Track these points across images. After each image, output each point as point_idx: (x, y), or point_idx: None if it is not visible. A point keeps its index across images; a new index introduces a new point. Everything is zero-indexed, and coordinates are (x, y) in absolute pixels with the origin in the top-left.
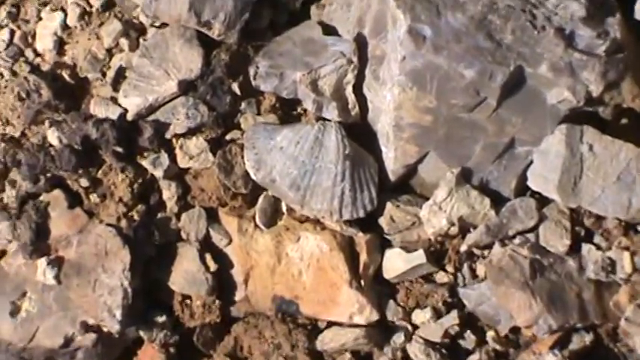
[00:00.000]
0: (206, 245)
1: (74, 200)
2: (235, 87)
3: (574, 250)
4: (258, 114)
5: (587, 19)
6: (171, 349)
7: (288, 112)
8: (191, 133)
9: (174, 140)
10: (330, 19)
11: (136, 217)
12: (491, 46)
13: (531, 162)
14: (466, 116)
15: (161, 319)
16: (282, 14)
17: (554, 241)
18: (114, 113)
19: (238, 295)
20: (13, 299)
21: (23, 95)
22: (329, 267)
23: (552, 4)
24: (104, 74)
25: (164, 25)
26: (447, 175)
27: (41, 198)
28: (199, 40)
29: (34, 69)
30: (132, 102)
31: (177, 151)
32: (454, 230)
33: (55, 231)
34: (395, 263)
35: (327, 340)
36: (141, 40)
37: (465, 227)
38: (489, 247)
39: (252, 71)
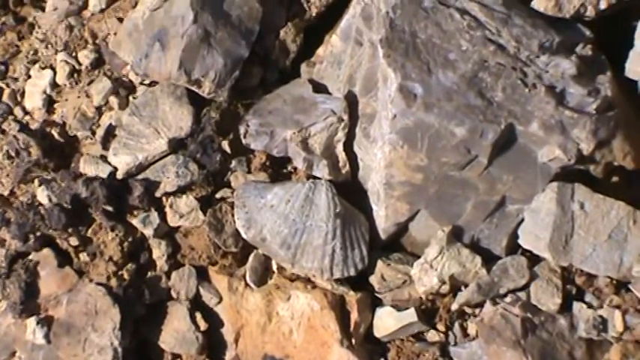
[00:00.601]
0: (196, 304)
1: (64, 259)
2: (225, 145)
3: (565, 308)
4: (249, 172)
5: (578, 77)
6: None
7: (278, 170)
8: (181, 191)
9: (164, 199)
10: (320, 77)
11: (126, 276)
12: (482, 104)
13: (522, 220)
14: (457, 174)
15: None
16: (272, 72)
17: (545, 299)
18: (104, 172)
19: (229, 354)
20: (3, 359)
21: (12, 154)
22: (320, 326)
23: (543, 62)
24: (94, 132)
25: (154, 83)
26: (438, 234)
27: (31, 257)
28: (189, 98)
29: (23, 127)
30: (122, 160)
31: (168, 209)
32: (445, 289)
33: (45, 290)
34: (386, 322)
35: None
36: (130, 98)
37: (456, 285)
38: (481, 305)
39: (242, 129)
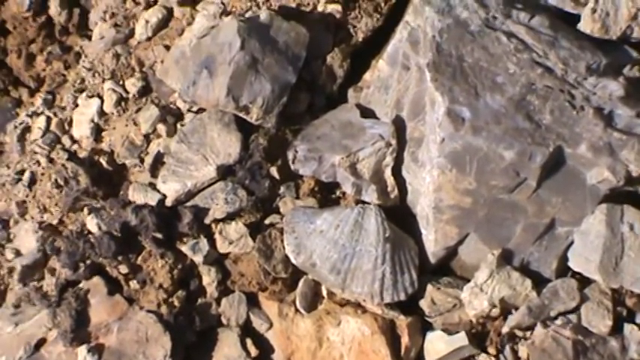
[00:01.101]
0: (247, 330)
1: (114, 287)
2: (274, 171)
3: (616, 330)
4: (297, 198)
5: (625, 98)
6: None
7: (327, 195)
8: (230, 217)
9: (213, 225)
10: (367, 102)
11: (176, 303)
12: (531, 127)
13: (572, 242)
14: (506, 197)
15: None
16: (319, 98)
17: (596, 321)
18: (153, 199)
19: None
20: None
21: (61, 182)
22: (371, 350)
23: (591, 84)
24: (142, 160)
25: (201, 110)
26: (487, 257)
27: (81, 285)
28: (237, 124)
29: (72, 156)
30: (170, 188)
31: (217, 236)
32: (496, 312)
33: (95, 318)
34: (437, 346)
35: None
36: (178, 125)
37: (506, 309)
38: (531, 328)
39: (290, 155)
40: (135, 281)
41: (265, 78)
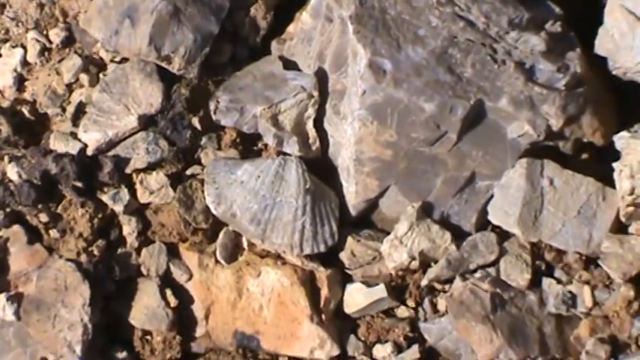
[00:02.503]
0: (166, 280)
1: (34, 236)
2: (196, 122)
3: (535, 284)
4: (219, 149)
5: (547, 53)
6: None
7: (248, 147)
8: (151, 168)
9: (134, 175)
10: (290, 54)
11: (96, 252)
12: (452, 80)
13: (492, 196)
14: (427, 150)
15: (121, 355)
16: (242, 49)
17: (514, 275)
18: (74, 148)
19: (199, 331)
20: None
21: None
22: (290, 301)
23: (512, 38)
24: (64, 110)
25: (124, 60)
26: (407, 210)
27: (0, 233)
28: (159, 74)
29: None
30: (92, 137)
31: (138, 186)
32: (415, 265)
33: (15, 267)
34: (356, 298)
35: None
36: (101, 75)
37: (425, 261)
38: (450, 281)
39: (212, 106)
40: (55, 230)
41: (188, 28)
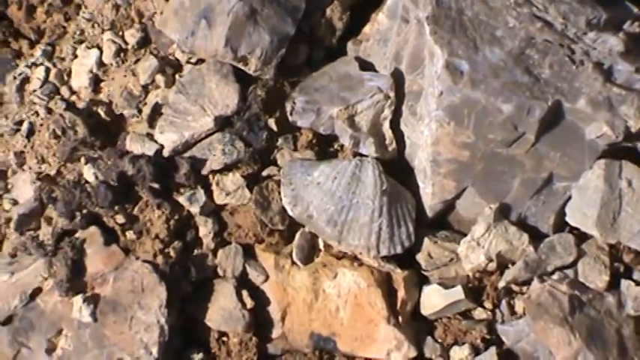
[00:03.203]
0: (243, 282)
1: (110, 237)
2: (272, 123)
3: (613, 286)
4: (295, 150)
5: (625, 53)
6: None
7: (324, 148)
8: (227, 169)
9: (210, 176)
10: (366, 55)
11: (172, 253)
12: (529, 81)
13: (570, 197)
14: (504, 151)
15: (198, 356)
16: (318, 50)
17: (593, 277)
18: (150, 149)
19: (275, 333)
20: (49, 337)
21: (59, 133)
22: (366, 303)
23: (591, 38)
24: (140, 111)
25: (200, 61)
26: (485, 211)
27: (77, 235)
28: (236, 75)
29: (70, 106)
30: (168, 138)
31: (214, 187)
32: (492, 266)
33: (91, 268)
34: (433, 300)
35: None
36: (177, 76)
37: (503, 263)
38: (528, 283)
39: (288, 107)
40: (131, 231)
41: (264, 29)
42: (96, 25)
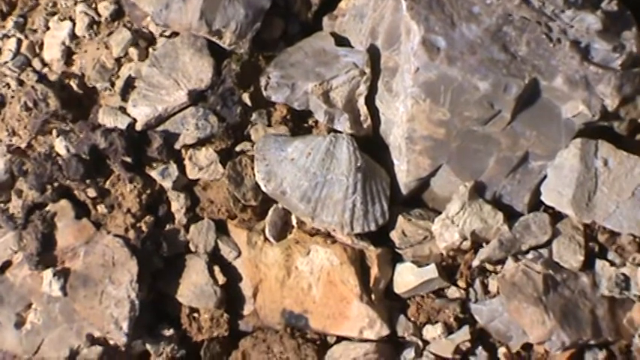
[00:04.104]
0: (215, 258)
1: (81, 211)
2: (246, 97)
3: (587, 266)
4: (269, 125)
5: (603, 32)
6: None
7: (299, 123)
8: (201, 143)
9: (183, 151)
10: (342, 30)
11: (144, 228)
12: (506, 58)
13: (545, 176)
14: (480, 129)
15: (168, 332)
16: (293, 25)
17: (567, 256)
18: (122, 123)
19: (247, 309)
20: (18, 311)
21: (30, 105)
22: (339, 281)
23: (568, 16)
24: (113, 84)
25: (174, 34)
26: (459, 189)
27: (48, 208)
28: (210, 49)
29: (42, 78)
30: (141, 112)
31: (187, 162)
32: (466, 245)
33: (62, 242)
34: (406, 278)
35: (336, 355)
36: (150, 49)
37: (477, 242)
38: (502, 262)
39: (263, 82)
40: (102, 205)
41: (239, 2)
42: None
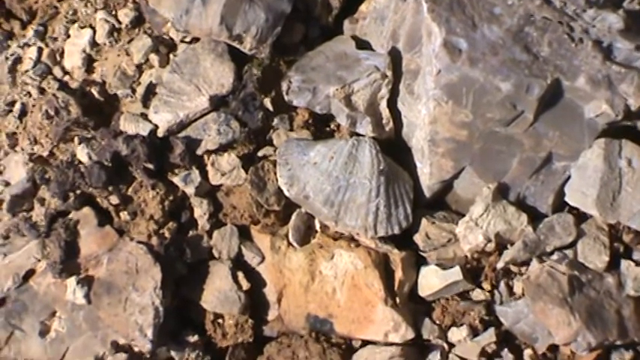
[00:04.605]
0: (238, 263)
1: (104, 218)
2: (267, 102)
3: (613, 266)
4: (291, 130)
5: (625, 31)
6: None
7: (321, 127)
8: (223, 149)
9: (205, 157)
10: (363, 34)
11: (167, 234)
12: (528, 59)
13: (569, 177)
14: (502, 130)
15: (193, 338)
16: (314, 28)
17: (592, 257)
18: (144, 129)
19: (271, 314)
20: (43, 319)
21: (52, 113)
22: (364, 284)
23: (590, 16)
24: (134, 91)
25: (195, 40)
26: (483, 191)
27: (70, 216)
28: (231, 54)
29: (63, 86)
30: (162, 118)
31: (209, 167)
32: (491, 247)
33: (85, 249)
34: (430, 280)
35: None
36: (171, 55)
37: (501, 243)
38: (527, 263)
39: (284, 86)
40: (125, 212)
41: (259, 7)
42: (89, 5)
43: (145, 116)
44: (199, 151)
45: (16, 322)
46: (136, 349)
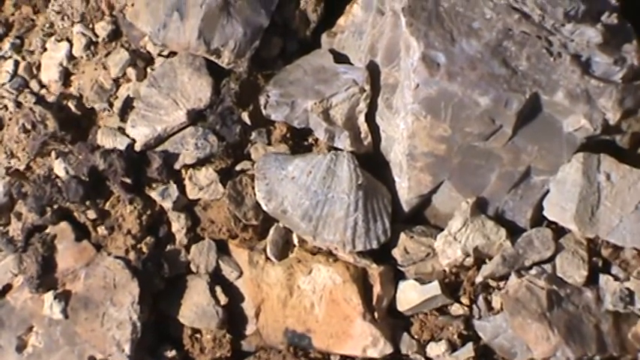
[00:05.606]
0: (216, 278)
1: (81, 233)
2: (245, 116)
3: (591, 280)
4: (269, 144)
5: (603, 45)
6: None
7: (299, 142)
8: (200, 163)
9: (183, 171)
10: (341, 47)
11: (144, 249)
12: (507, 73)
13: (547, 191)
14: (481, 145)
15: (171, 353)
16: (292, 42)
17: (571, 271)
18: (122, 144)
19: (249, 329)
20: (20, 334)
21: (28, 127)
22: (342, 299)
23: (568, 30)
24: (111, 104)
25: (172, 54)
26: (461, 205)
27: (47, 230)
28: (208, 68)
29: (40, 100)
30: (140, 132)
31: (187, 182)
32: (469, 261)
33: (62, 264)
34: (409, 295)
35: None
36: (149, 69)
37: (480, 258)
38: (505, 278)
39: (262, 100)
40: (103, 227)
41: (237, 21)
42: (66, 18)
43: (122, 130)
44: (177, 166)
45: None
46: None
